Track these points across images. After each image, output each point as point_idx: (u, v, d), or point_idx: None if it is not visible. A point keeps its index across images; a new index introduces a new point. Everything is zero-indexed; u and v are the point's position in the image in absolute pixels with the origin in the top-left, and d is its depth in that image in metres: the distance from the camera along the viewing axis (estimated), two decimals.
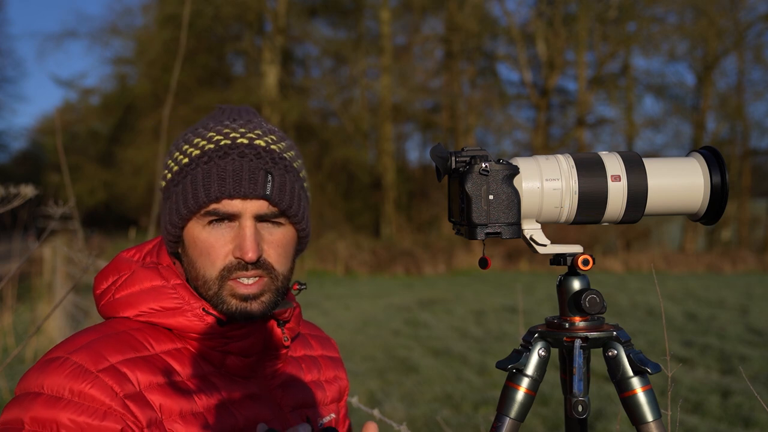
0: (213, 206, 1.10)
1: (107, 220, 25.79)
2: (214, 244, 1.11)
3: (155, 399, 1.05)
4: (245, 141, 1.13)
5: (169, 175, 1.16)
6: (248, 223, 1.10)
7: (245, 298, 1.12)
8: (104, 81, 32.53)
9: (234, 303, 1.12)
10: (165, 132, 3.73)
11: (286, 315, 1.22)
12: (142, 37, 25.02)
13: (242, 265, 1.11)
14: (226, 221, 1.11)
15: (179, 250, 1.18)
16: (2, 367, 1.82)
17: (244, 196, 1.09)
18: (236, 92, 22.73)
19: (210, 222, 1.11)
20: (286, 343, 1.21)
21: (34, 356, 7.21)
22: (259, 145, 1.13)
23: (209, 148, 1.12)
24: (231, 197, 1.09)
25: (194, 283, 1.15)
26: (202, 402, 1.10)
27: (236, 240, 1.11)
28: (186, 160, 1.14)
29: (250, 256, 1.09)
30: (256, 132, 1.15)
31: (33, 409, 1.00)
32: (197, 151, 1.13)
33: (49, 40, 41.87)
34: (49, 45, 49.48)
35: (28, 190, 2.05)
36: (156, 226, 3.58)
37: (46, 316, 1.85)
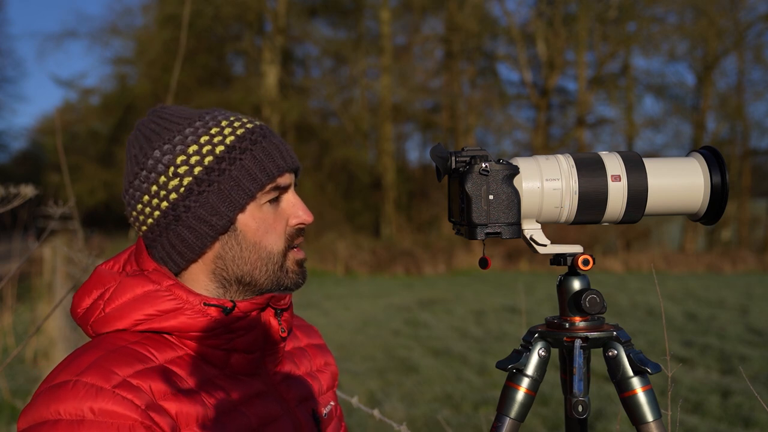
0: (279, 180, 1.16)
1: (107, 220, 25.73)
2: (277, 218, 1.17)
3: (171, 407, 1.04)
4: (258, 123, 1.19)
5: (199, 168, 1.11)
6: (294, 192, 1.20)
7: (302, 263, 1.21)
8: (104, 81, 32.52)
9: (298, 270, 1.20)
10: None
11: (285, 301, 1.22)
12: (142, 37, 25.02)
13: (299, 232, 1.20)
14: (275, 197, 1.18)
15: (209, 249, 1.14)
16: (2, 367, 1.82)
17: (292, 168, 1.18)
18: (236, 92, 22.74)
19: (269, 200, 1.16)
20: (283, 335, 1.21)
21: (34, 356, 7.21)
22: (269, 126, 1.22)
23: (242, 133, 1.15)
24: (290, 170, 1.18)
25: (245, 270, 1.15)
26: (214, 406, 1.09)
27: (288, 210, 1.18)
28: (221, 147, 1.12)
29: (312, 217, 1.20)
30: (249, 117, 1.21)
31: None
32: (232, 137, 1.14)
33: (49, 40, 41.88)
34: (49, 45, 49.47)
35: (28, 190, 2.05)
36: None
37: (46, 316, 1.85)
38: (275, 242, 1.16)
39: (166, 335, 1.12)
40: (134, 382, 1.02)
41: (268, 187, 1.14)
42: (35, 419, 0.99)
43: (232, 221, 1.13)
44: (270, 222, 1.16)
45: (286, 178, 1.17)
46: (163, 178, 1.12)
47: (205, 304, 1.11)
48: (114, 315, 1.10)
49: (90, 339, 1.15)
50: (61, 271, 8.35)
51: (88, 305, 1.13)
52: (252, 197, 1.13)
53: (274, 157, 1.15)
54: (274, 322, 1.20)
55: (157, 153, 1.13)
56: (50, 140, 28.06)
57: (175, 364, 1.09)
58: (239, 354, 1.14)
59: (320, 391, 1.32)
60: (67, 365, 1.04)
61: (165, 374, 1.06)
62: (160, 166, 1.12)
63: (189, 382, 1.08)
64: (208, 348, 1.12)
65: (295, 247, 1.20)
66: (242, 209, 1.13)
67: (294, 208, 1.19)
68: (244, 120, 1.18)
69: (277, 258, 1.17)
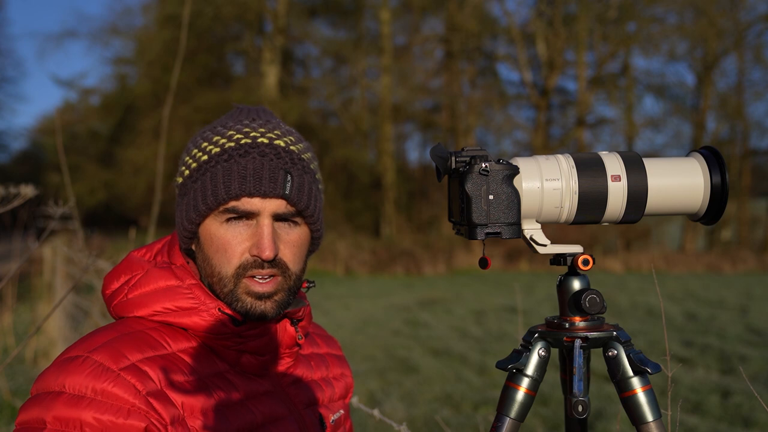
0: (232, 203, 1.11)
1: (107, 220, 25.77)
2: (231, 241, 1.12)
3: (176, 396, 1.06)
4: (265, 140, 1.14)
5: (187, 172, 1.17)
6: (266, 222, 1.12)
7: (260, 297, 1.13)
8: (104, 81, 32.58)
9: (249, 301, 1.13)
10: (165, 132, 3.74)
11: (300, 314, 1.23)
12: (142, 37, 25.04)
13: (258, 263, 1.12)
14: (243, 219, 1.12)
15: (193, 247, 1.18)
16: (2, 367, 1.82)
17: (264, 195, 1.10)
18: (236, 92, 22.73)
19: (228, 219, 1.12)
20: (300, 342, 1.22)
21: (34, 356, 7.21)
22: (279, 145, 1.15)
23: (229, 146, 1.14)
24: (251, 195, 1.10)
25: (209, 280, 1.16)
26: (221, 399, 1.11)
27: (253, 238, 1.12)
28: (205, 157, 1.14)
29: (268, 254, 1.10)
30: (275, 132, 1.17)
31: (55, 408, 1.00)
32: (217, 149, 1.14)
33: (49, 40, 41.99)
34: (49, 45, 49.47)
35: (28, 190, 2.05)
36: (156, 226, 3.58)
37: (46, 316, 1.85)
38: (224, 264, 1.13)
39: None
40: (142, 367, 1.05)
41: (220, 209, 1.12)
42: (43, 388, 1.04)
43: (195, 230, 1.16)
44: (222, 243, 1.13)
45: (252, 204, 1.11)
46: (183, 167, 1.20)
47: (219, 310, 1.13)
48: (135, 302, 1.14)
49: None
50: (61, 271, 8.34)
51: (116, 288, 1.18)
52: (203, 215, 1.14)
53: (230, 179, 1.10)
54: (290, 328, 1.21)
55: (191, 144, 1.20)
56: (50, 140, 28.06)
57: (188, 354, 1.12)
58: (250, 355, 1.16)
59: (332, 398, 1.33)
60: (83, 341, 1.09)
61: (175, 363, 1.09)
62: (185, 155, 1.20)
63: (198, 374, 1.11)
64: (221, 345, 1.15)
65: (253, 277, 1.13)
66: (201, 222, 1.15)
67: (254, 238, 1.12)
68: (246, 131, 1.15)
69: (226, 280, 1.13)
